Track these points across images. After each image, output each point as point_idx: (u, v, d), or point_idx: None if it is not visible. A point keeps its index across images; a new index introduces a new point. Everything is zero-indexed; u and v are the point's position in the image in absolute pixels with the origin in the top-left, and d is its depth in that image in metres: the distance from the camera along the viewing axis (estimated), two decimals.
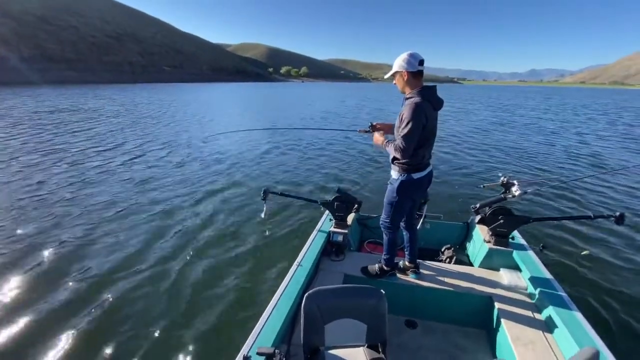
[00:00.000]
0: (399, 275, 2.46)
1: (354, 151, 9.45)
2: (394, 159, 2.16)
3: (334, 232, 2.73)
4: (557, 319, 1.89)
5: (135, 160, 8.05)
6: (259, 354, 1.41)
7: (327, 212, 3.03)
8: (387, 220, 2.33)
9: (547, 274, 2.30)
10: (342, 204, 2.78)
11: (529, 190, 2.69)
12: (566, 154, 10.01)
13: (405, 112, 1.97)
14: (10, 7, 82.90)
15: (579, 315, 1.89)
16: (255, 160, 8.19)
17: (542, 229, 4.38)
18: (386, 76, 2.19)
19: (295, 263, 2.30)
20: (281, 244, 4.04)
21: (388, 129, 2.41)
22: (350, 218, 2.94)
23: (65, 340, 2.55)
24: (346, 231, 2.74)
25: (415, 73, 2.04)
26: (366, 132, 2.55)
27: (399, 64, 2.05)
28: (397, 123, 2.13)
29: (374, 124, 2.49)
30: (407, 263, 2.48)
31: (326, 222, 2.93)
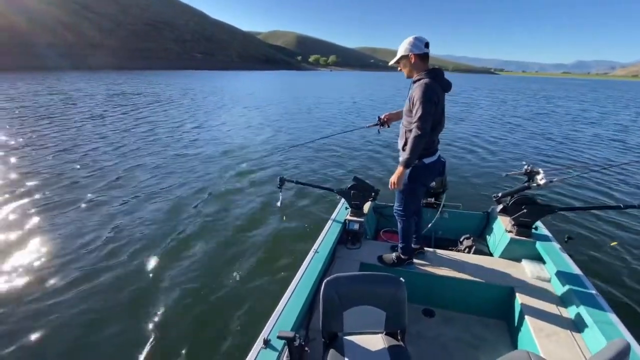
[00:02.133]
0: (416, 264, 2.43)
1: (370, 141, 9.31)
2: (405, 145, 2.11)
3: (350, 221, 2.72)
4: (582, 312, 1.82)
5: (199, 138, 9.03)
6: (279, 337, 1.43)
7: (342, 200, 3.02)
8: (401, 208, 2.31)
9: (573, 266, 2.21)
10: (358, 192, 2.76)
11: (554, 179, 2.57)
12: (598, 143, 9.48)
13: (417, 92, 1.93)
14: None
15: (606, 308, 1.82)
16: (272, 150, 8.24)
17: (568, 220, 4.21)
18: (391, 62, 2.16)
19: (312, 250, 2.31)
20: (297, 232, 4.08)
21: (396, 117, 2.41)
22: (366, 207, 2.91)
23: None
24: (362, 219, 2.72)
25: (422, 55, 2.02)
26: (375, 125, 2.56)
27: (405, 47, 2.03)
28: (406, 107, 2.10)
29: (381, 116, 2.48)
30: (413, 245, 2.46)
31: (342, 210, 2.93)
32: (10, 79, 26.51)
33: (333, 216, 2.85)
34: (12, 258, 3.36)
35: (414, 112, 1.96)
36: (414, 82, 2.04)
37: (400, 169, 2.06)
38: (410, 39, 2.01)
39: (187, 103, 16.90)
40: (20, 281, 3.02)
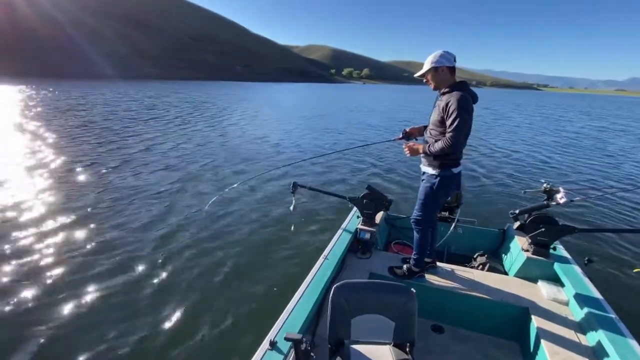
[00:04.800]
0: (427, 278, 2.38)
1: (388, 153, 9.22)
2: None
3: (362, 230, 2.69)
4: (602, 337, 1.72)
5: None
6: (286, 339, 1.40)
7: (354, 209, 2.98)
8: (421, 218, 2.26)
9: (592, 289, 2.09)
10: (371, 201, 2.73)
11: (575, 199, 2.45)
12: (626, 164, 8.85)
13: (453, 102, 1.94)
14: (112, 10, 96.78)
15: (626, 334, 1.71)
16: (288, 156, 8.35)
17: (588, 241, 3.99)
18: (418, 74, 2.18)
19: (322, 257, 2.31)
20: (308, 237, 4.10)
21: (417, 132, 2.44)
22: (378, 216, 2.89)
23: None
24: (374, 229, 2.70)
25: (452, 68, 2.07)
26: (400, 139, 2.57)
27: (435, 60, 2.07)
28: (435, 118, 2.10)
29: (407, 129, 2.50)
30: (425, 259, 2.42)
31: (353, 219, 2.90)
32: (95, 87, 30.90)
33: (344, 224, 2.83)
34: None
35: (449, 122, 1.97)
36: (443, 93, 2.07)
37: (421, 149, 2.15)
38: (440, 52, 2.07)
39: (248, 112, 18.81)
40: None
